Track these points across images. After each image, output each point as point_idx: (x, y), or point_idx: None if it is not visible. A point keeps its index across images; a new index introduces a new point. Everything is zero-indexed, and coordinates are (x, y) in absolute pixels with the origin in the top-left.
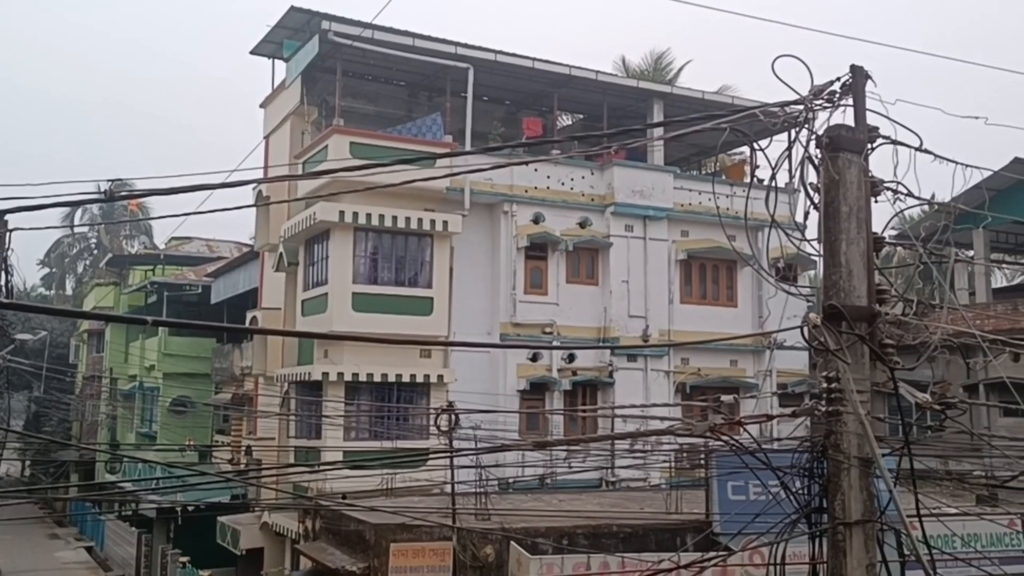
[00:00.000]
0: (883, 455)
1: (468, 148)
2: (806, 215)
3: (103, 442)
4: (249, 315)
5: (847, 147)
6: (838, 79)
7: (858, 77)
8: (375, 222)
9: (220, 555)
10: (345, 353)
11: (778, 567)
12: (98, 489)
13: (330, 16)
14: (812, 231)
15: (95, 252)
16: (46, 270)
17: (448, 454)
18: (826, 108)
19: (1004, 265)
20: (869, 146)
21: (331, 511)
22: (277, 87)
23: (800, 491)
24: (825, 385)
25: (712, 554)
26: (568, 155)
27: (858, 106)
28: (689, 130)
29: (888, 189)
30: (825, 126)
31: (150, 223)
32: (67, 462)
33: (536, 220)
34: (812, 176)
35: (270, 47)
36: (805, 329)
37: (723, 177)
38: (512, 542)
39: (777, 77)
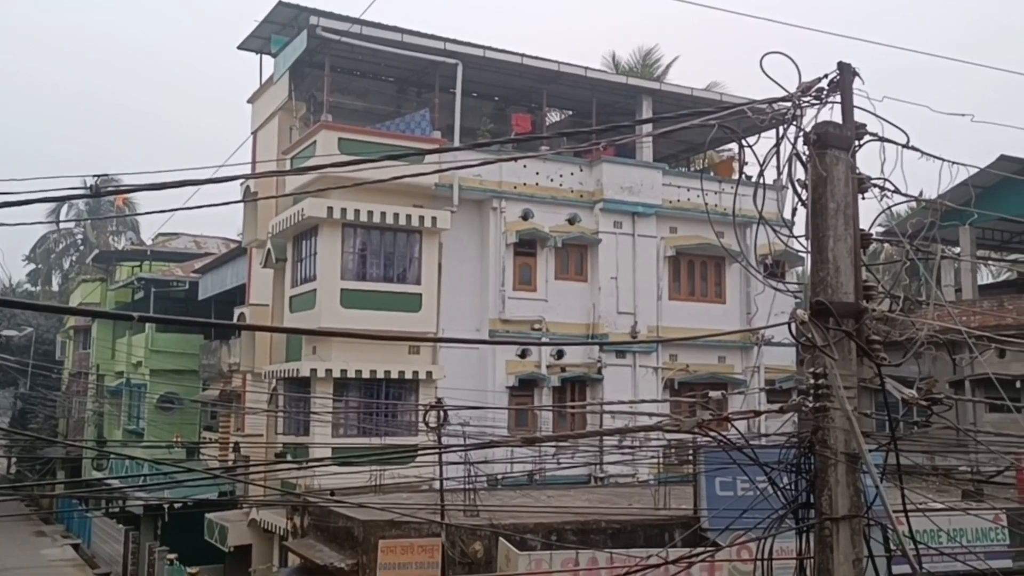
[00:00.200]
0: (870, 451)
1: (457, 144)
2: (794, 212)
3: (90, 439)
4: (237, 311)
5: (835, 144)
6: (826, 76)
7: (845, 74)
8: (363, 218)
9: (208, 552)
10: (333, 349)
11: (765, 562)
12: (85, 486)
13: (318, 11)
14: (800, 228)
15: (81, 248)
16: (32, 266)
17: (437, 450)
18: (814, 105)
19: (990, 262)
20: (856, 143)
21: (319, 508)
22: (265, 83)
23: (787, 487)
24: (812, 381)
25: (700, 550)
26: (557, 151)
27: (845, 103)
28: (678, 127)
29: (875, 186)
30: (813, 123)
31: (137, 219)
32: (53, 459)
33: (525, 216)
34: (800, 173)
35: (258, 42)
36: (793, 325)
37: (711, 174)
38: (501, 538)
39: (765, 74)
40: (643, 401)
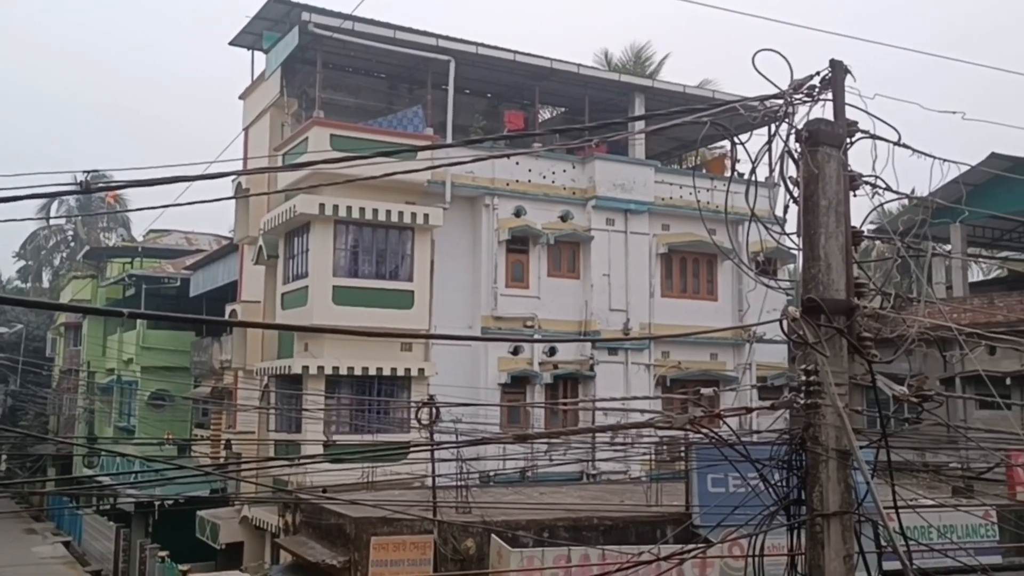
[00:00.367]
0: (861, 447)
1: (449, 141)
2: (785, 209)
3: (80, 436)
4: (228, 308)
5: (826, 141)
6: (818, 74)
7: (837, 72)
8: (356, 215)
9: (199, 549)
10: (325, 346)
11: (757, 559)
12: (76, 483)
13: (310, 7)
14: (792, 225)
15: (72, 244)
16: (22, 263)
17: (429, 447)
18: (806, 102)
19: (980, 259)
20: (848, 140)
21: (311, 505)
22: (256, 79)
23: (779, 483)
24: (804, 378)
25: (692, 546)
26: (549, 148)
27: (837, 101)
28: (670, 124)
29: (867, 183)
30: (805, 120)
31: (128, 215)
32: (44, 456)
33: (517, 213)
34: (792, 170)
35: (249, 38)
36: (784, 322)
37: (704, 171)
38: (493, 535)
39: (757, 71)
40: (635, 398)
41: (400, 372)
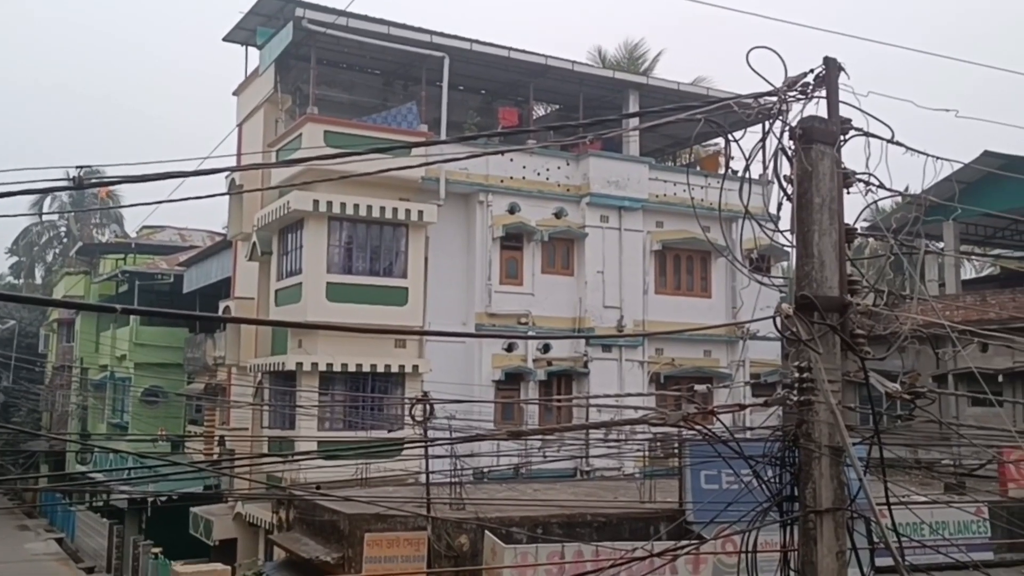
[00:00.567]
0: (853, 444)
1: (443, 137)
2: (779, 206)
3: (73, 432)
4: (222, 304)
5: (820, 139)
6: (811, 71)
7: (831, 69)
8: (350, 211)
9: (193, 546)
10: (319, 343)
11: (750, 555)
12: (68, 480)
13: (304, 3)
14: (785, 222)
15: (65, 240)
16: (14, 258)
17: (423, 444)
18: (800, 100)
19: (973, 257)
20: (842, 138)
21: (305, 501)
22: (250, 75)
23: (772, 480)
24: (797, 375)
25: (685, 542)
26: (544, 145)
27: (831, 98)
28: (664, 121)
29: (860, 181)
30: (799, 118)
31: (121, 211)
32: (37, 452)
33: (511, 210)
34: (785, 168)
35: (243, 34)
36: (778, 319)
37: (698, 168)
38: (487, 531)
39: (751, 68)
40: (629, 395)
41: (394, 369)
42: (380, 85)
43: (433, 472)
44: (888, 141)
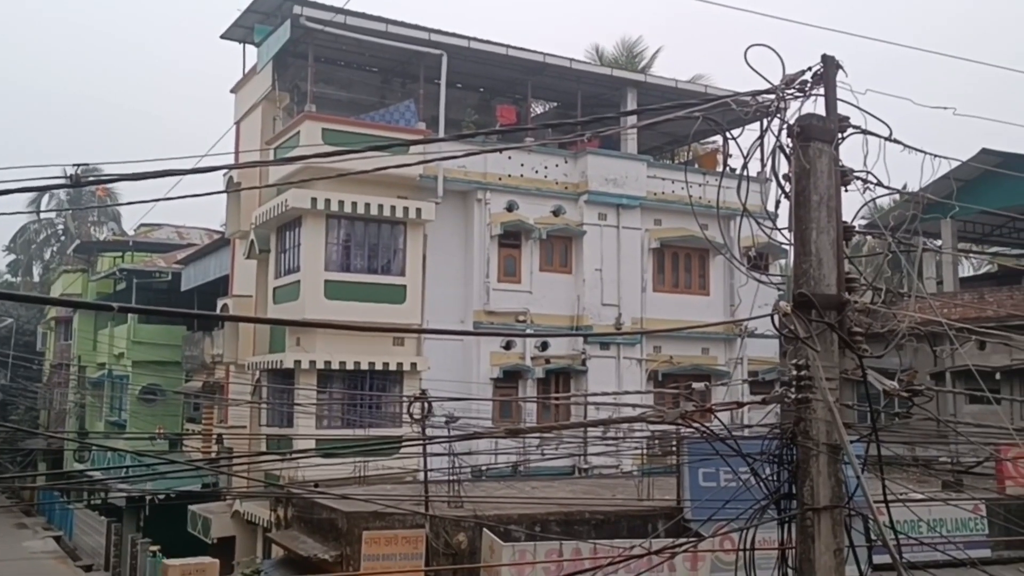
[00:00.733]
0: (851, 442)
1: (441, 135)
2: (777, 204)
3: (71, 430)
4: (220, 302)
5: (818, 136)
6: (809, 69)
7: (829, 67)
8: (347, 209)
9: (191, 544)
10: (317, 341)
11: (748, 552)
12: (66, 478)
13: (302, 0)
14: (783, 220)
15: (62, 238)
16: (12, 256)
17: (421, 442)
18: (798, 97)
19: (971, 255)
20: (840, 135)
21: (303, 499)
22: (248, 72)
23: (770, 477)
24: (795, 372)
25: (683, 540)
26: (542, 143)
27: (829, 96)
28: (662, 118)
29: (858, 178)
30: (796, 115)
31: (119, 209)
32: (35, 451)
33: (510, 208)
34: (783, 165)
35: (241, 32)
36: (775, 317)
37: (696, 166)
38: (485, 529)
39: (749, 66)
40: (627, 392)
41: (392, 367)
42: (378, 83)
43: (431, 470)
44: (886, 139)
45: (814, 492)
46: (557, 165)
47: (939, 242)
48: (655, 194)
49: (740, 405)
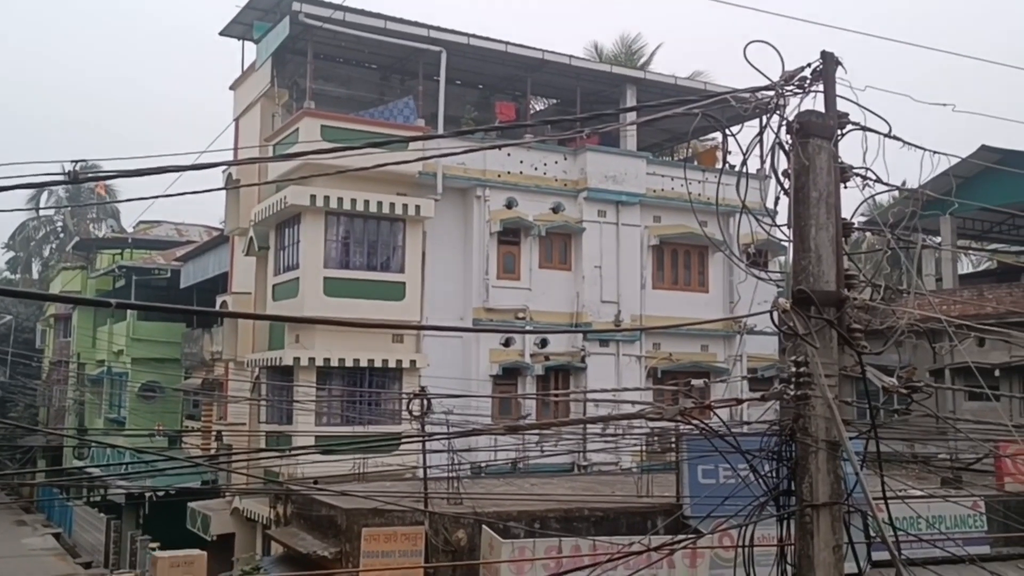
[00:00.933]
0: (850, 438)
1: (440, 132)
2: (776, 201)
3: (71, 427)
4: (219, 299)
5: (817, 133)
6: (809, 65)
7: (828, 63)
8: (347, 206)
9: (190, 541)
10: (316, 338)
11: (747, 549)
12: (66, 475)
13: None
14: (782, 217)
15: (61, 235)
16: (11, 253)
17: (420, 439)
18: (797, 94)
19: (970, 251)
20: (839, 132)
21: (302, 496)
22: (247, 69)
23: (769, 474)
24: (794, 369)
25: (682, 537)
26: (541, 140)
27: (828, 92)
28: (661, 115)
29: (857, 175)
30: (796, 112)
31: (118, 206)
32: (34, 447)
33: (509, 205)
34: (783, 162)
35: (240, 28)
36: (775, 314)
37: (695, 163)
38: (484, 526)
39: (749, 63)
40: (626, 389)
41: (392, 364)
42: (377, 80)
43: (430, 467)
44: (885, 136)
45: (813, 489)
46: (556, 162)
47: (938, 239)
48: (654, 191)
49: (739, 402)
